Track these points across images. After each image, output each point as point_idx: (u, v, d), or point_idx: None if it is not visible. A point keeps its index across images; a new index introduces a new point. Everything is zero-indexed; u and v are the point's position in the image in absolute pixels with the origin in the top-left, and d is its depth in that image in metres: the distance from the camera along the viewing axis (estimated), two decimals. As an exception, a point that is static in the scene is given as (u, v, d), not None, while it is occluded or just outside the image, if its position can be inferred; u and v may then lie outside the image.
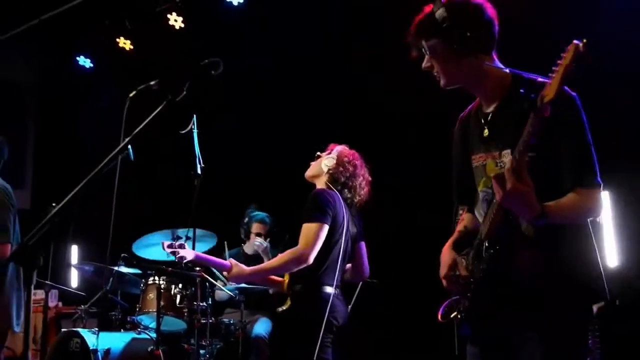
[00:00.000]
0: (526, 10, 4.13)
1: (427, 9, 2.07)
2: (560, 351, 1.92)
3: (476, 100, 2.19)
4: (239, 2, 5.47)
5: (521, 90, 1.86)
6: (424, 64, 2.11)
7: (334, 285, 3.33)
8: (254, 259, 5.04)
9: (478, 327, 2.06)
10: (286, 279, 3.43)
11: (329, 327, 3.23)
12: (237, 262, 3.33)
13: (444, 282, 2.13)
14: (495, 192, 1.87)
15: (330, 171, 3.49)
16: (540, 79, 1.93)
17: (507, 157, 1.95)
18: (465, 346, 2.22)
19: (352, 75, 5.40)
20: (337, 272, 3.36)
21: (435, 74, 2.10)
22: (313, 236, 3.23)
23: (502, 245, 1.95)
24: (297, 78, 5.62)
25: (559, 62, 1.72)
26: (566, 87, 1.85)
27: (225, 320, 4.77)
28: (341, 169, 3.48)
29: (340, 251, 3.34)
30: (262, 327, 4.85)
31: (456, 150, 2.26)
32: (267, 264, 3.53)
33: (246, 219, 5.26)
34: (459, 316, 2.05)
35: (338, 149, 3.58)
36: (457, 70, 2.06)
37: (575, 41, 1.70)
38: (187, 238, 3.78)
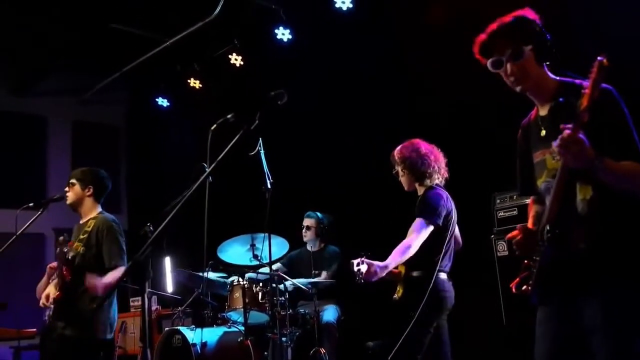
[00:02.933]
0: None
1: (506, 18, 2.20)
2: (617, 316, 2.02)
3: (534, 109, 2.35)
4: (288, 39, 5.97)
5: (560, 100, 2.13)
6: (499, 69, 2.22)
7: (447, 271, 3.48)
8: (315, 255, 5.65)
9: (543, 296, 2.18)
10: (402, 269, 3.52)
11: (445, 309, 3.39)
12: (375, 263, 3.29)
13: (516, 246, 2.20)
14: (557, 152, 1.99)
15: (419, 171, 3.53)
16: (578, 82, 2.12)
17: None
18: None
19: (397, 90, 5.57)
20: (449, 258, 3.48)
21: (512, 80, 2.21)
22: (417, 230, 3.36)
23: (561, 227, 2.06)
24: (344, 101, 5.88)
25: (589, 75, 1.90)
26: (603, 85, 1.97)
27: (301, 310, 5.22)
28: (421, 161, 3.52)
29: (452, 237, 3.51)
30: (330, 314, 5.21)
31: (520, 151, 2.43)
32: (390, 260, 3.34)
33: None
34: (529, 288, 2.16)
35: (400, 154, 3.59)
36: (535, 75, 2.20)
37: (598, 58, 1.90)
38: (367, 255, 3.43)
